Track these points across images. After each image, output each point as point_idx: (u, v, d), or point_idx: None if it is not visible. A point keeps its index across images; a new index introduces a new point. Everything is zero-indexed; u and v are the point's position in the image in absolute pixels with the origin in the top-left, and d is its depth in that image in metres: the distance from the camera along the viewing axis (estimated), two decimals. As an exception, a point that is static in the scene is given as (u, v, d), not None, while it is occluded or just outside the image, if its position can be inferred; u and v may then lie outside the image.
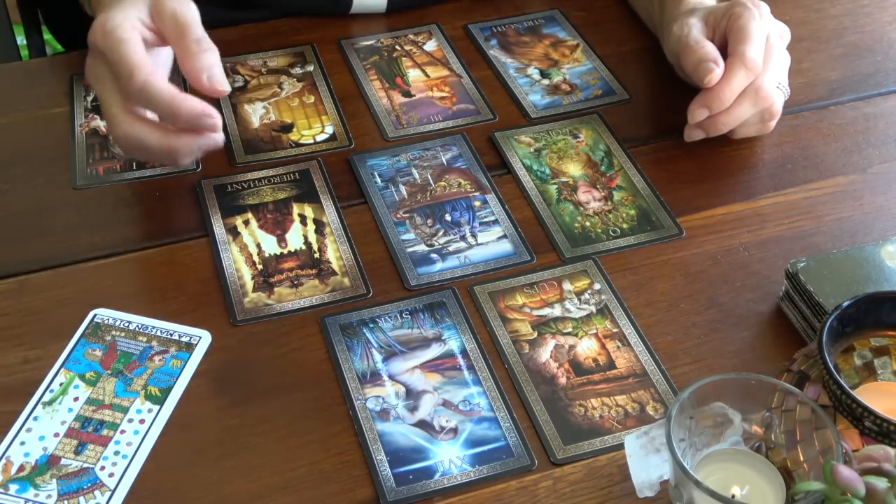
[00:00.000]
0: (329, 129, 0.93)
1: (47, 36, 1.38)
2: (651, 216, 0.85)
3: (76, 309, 0.76)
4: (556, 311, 0.77)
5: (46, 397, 0.70)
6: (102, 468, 0.66)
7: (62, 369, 0.72)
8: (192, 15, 0.77)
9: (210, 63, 0.76)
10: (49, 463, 0.67)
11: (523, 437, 0.69)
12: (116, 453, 0.67)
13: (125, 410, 0.70)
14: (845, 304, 0.66)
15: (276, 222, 0.84)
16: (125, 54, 0.74)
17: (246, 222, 0.84)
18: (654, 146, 0.92)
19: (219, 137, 0.78)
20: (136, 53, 0.74)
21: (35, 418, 0.69)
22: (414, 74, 0.99)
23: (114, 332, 0.74)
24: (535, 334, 0.75)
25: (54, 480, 0.66)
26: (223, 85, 0.76)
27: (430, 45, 1.03)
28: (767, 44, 0.86)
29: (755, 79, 0.85)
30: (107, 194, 0.87)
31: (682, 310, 0.77)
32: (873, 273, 0.74)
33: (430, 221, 0.84)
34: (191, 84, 0.77)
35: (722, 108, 0.85)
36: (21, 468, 0.66)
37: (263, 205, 0.85)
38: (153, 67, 0.75)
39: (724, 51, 0.86)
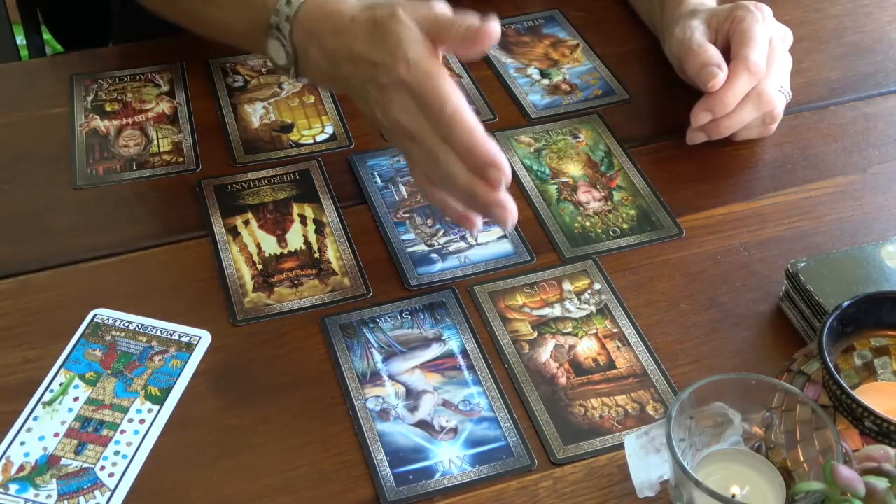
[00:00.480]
0: (329, 129, 0.93)
1: (47, 36, 1.38)
2: (651, 216, 0.85)
3: (76, 309, 0.76)
4: (556, 311, 0.77)
5: (46, 397, 0.70)
6: (102, 468, 0.66)
7: (62, 369, 0.72)
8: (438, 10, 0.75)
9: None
10: (49, 463, 0.67)
11: (523, 437, 0.69)
12: (116, 453, 0.67)
13: (125, 410, 0.70)
14: (845, 304, 0.66)
15: (276, 222, 0.84)
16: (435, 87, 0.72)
17: (246, 222, 0.84)
18: (654, 146, 0.92)
19: (508, 214, 0.73)
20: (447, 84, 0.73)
21: (35, 418, 0.69)
22: (414, 74, 0.99)
23: (114, 332, 0.74)
24: (535, 334, 0.75)
25: (54, 480, 0.66)
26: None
27: (430, 45, 1.02)
28: (770, 47, 0.86)
29: (758, 83, 0.85)
30: (107, 194, 0.87)
31: (682, 310, 0.77)
32: (873, 273, 0.74)
33: (430, 221, 0.84)
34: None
35: (725, 112, 0.85)
36: (21, 468, 0.66)
37: (263, 205, 0.85)
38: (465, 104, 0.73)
39: (727, 54, 0.86)
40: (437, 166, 0.73)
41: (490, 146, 0.71)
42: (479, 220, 0.76)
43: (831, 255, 0.76)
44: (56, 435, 0.68)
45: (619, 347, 0.74)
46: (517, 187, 0.87)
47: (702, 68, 0.85)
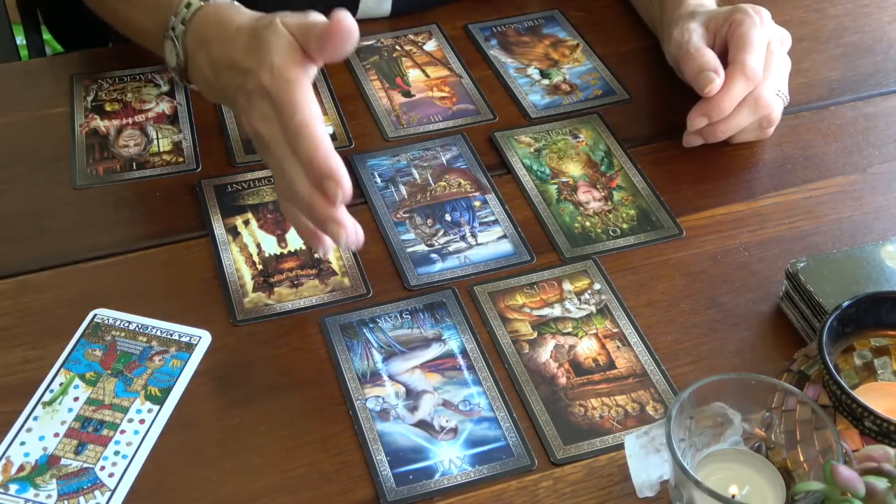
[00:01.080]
0: (329, 129, 0.93)
1: (46, 36, 1.38)
2: (651, 216, 0.85)
3: (76, 309, 0.76)
4: (556, 311, 0.77)
5: (46, 397, 0.70)
6: (102, 468, 0.66)
7: (62, 369, 0.72)
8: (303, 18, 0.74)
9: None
10: (49, 463, 0.67)
11: (523, 437, 0.69)
12: (116, 453, 0.67)
13: (125, 410, 0.70)
14: (845, 304, 0.66)
15: (276, 222, 0.84)
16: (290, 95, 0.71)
17: (246, 222, 0.84)
18: (654, 146, 0.92)
19: (342, 231, 0.71)
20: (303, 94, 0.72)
21: (35, 418, 0.69)
22: (414, 74, 0.99)
23: (114, 332, 0.74)
24: (535, 334, 0.75)
25: (54, 480, 0.66)
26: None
27: (430, 45, 1.03)
28: (768, 51, 0.86)
29: (755, 87, 0.85)
30: (107, 194, 0.87)
31: (682, 310, 0.77)
32: (873, 273, 0.74)
33: (430, 221, 0.84)
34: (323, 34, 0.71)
35: (721, 116, 0.85)
36: (21, 468, 0.66)
37: (263, 205, 0.85)
38: (318, 116, 0.72)
39: (724, 56, 0.86)
40: (283, 176, 0.72)
41: (331, 158, 0.70)
42: (326, 239, 0.74)
43: (831, 255, 0.76)
44: (56, 435, 0.68)
45: (619, 347, 0.74)
46: (517, 187, 0.87)
47: (699, 73, 0.85)
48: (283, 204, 0.75)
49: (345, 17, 0.70)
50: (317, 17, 0.73)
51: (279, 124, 0.71)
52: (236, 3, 0.80)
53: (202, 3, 0.79)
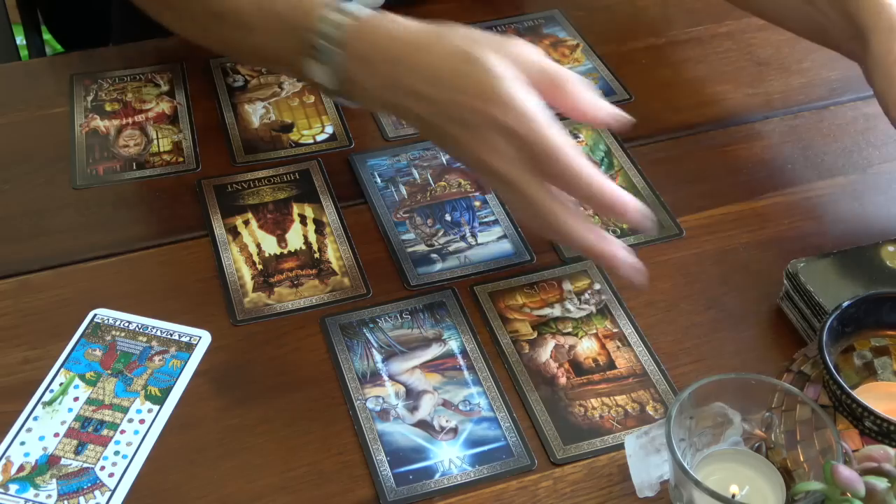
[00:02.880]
0: (329, 129, 0.93)
1: (47, 36, 1.38)
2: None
3: (76, 309, 0.76)
4: (556, 311, 0.77)
5: (46, 397, 0.70)
6: (102, 468, 0.66)
7: (62, 369, 0.72)
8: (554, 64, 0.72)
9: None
10: (49, 463, 0.67)
11: (523, 437, 0.69)
12: (116, 453, 0.67)
13: (125, 410, 0.70)
14: (845, 304, 0.66)
15: (276, 222, 0.84)
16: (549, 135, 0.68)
17: (246, 222, 0.84)
18: (654, 146, 0.92)
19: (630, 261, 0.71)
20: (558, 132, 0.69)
21: (35, 418, 0.69)
22: (414, 74, 0.99)
23: (114, 332, 0.74)
24: (535, 334, 0.75)
25: (54, 480, 0.66)
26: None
27: (430, 45, 1.02)
28: None
29: None
30: (107, 194, 0.87)
31: (682, 310, 0.77)
32: (873, 273, 0.74)
33: (430, 221, 0.84)
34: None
35: None
36: (21, 468, 0.66)
37: (263, 205, 0.85)
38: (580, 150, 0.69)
39: None
40: (536, 214, 0.70)
41: (613, 187, 0.69)
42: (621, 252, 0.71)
43: (832, 256, 0.76)
44: (56, 435, 0.68)
45: (619, 347, 0.74)
46: (517, 187, 0.87)
47: None
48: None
49: (621, 114, 0.71)
50: (543, 57, 0.72)
51: (530, 159, 0.68)
52: (389, 14, 0.76)
53: (354, 21, 0.74)
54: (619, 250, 0.70)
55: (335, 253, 0.81)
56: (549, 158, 0.68)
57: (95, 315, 0.76)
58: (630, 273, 0.70)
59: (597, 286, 0.79)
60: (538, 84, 0.70)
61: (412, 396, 0.71)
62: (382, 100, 0.75)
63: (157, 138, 0.92)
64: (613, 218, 0.69)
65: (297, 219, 0.84)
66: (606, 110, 0.72)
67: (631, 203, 0.69)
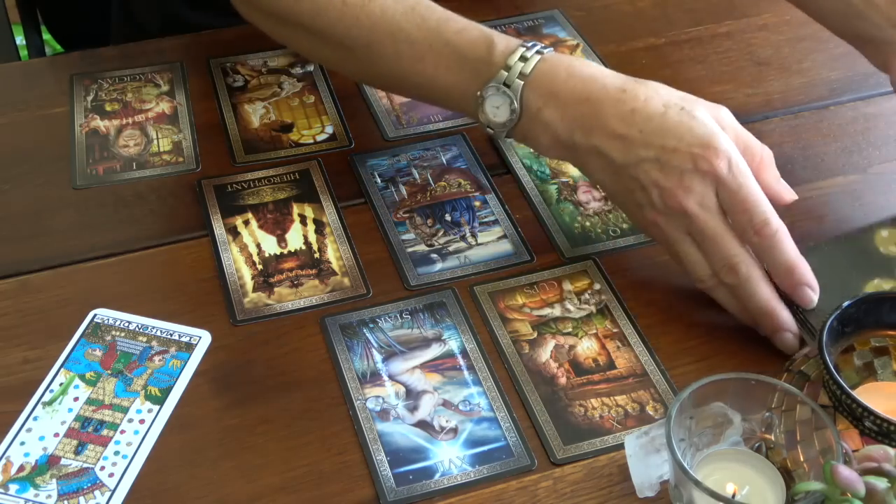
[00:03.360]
0: (329, 129, 0.93)
1: (47, 36, 1.38)
2: (651, 216, 0.85)
3: (76, 309, 0.76)
4: (556, 311, 0.77)
5: (46, 397, 0.70)
6: (102, 468, 0.66)
7: (62, 369, 0.72)
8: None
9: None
10: (49, 463, 0.67)
11: (523, 437, 0.69)
12: (116, 453, 0.67)
13: (125, 410, 0.70)
14: (845, 304, 0.66)
15: (276, 222, 0.84)
16: (757, 196, 0.70)
17: (246, 222, 0.84)
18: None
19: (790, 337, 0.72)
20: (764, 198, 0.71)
21: (35, 418, 0.69)
22: (414, 74, 0.99)
23: (114, 332, 0.74)
24: (535, 334, 0.75)
25: (54, 480, 0.66)
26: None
27: (430, 45, 1.02)
28: None
29: None
30: (107, 194, 0.87)
31: (682, 310, 0.77)
32: (868, 263, 0.73)
33: (430, 221, 0.84)
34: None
35: None
36: (21, 468, 0.66)
37: (263, 205, 0.85)
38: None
39: None
40: (735, 276, 0.72)
41: (806, 269, 0.71)
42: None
43: (824, 246, 0.75)
44: (56, 435, 0.68)
45: (619, 347, 0.74)
46: (517, 187, 0.87)
47: None
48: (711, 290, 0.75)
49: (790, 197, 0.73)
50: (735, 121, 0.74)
51: (735, 220, 0.71)
52: (580, 58, 0.77)
53: (540, 56, 0.75)
54: (792, 325, 0.72)
55: (335, 253, 0.81)
56: (746, 209, 0.70)
57: (95, 315, 0.76)
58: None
59: (597, 286, 0.79)
60: (739, 148, 0.72)
61: (412, 396, 0.71)
62: (558, 134, 0.75)
63: (157, 138, 0.92)
64: (800, 292, 0.72)
65: (297, 219, 0.84)
66: (785, 194, 0.74)
67: (807, 289, 0.71)
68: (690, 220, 0.71)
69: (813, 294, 0.71)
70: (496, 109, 0.76)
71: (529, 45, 0.76)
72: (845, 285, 0.70)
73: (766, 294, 0.72)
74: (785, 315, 0.72)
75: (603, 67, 0.76)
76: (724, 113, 0.74)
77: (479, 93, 0.76)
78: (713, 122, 0.72)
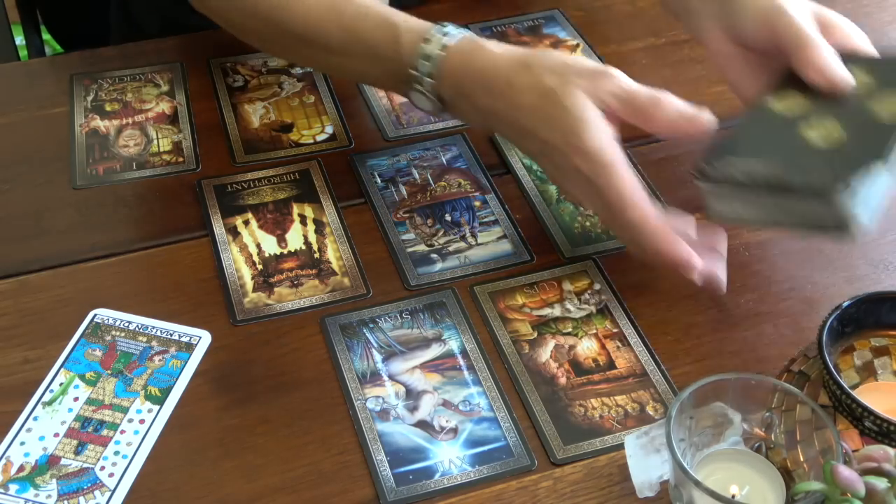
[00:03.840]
0: (329, 129, 0.93)
1: (46, 36, 1.38)
2: (651, 216, 0.85)
3: (76, 309, 0.76)
4: (556, 311, 0.77)
5: (46, 397, 0.70)
6: (102, 468, 0.66)
7: (62, 369, 0.72)
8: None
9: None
10: (49, 463, 0.67)
11: (523, 437, 0.69)
12: (116, 453, 0.67)
13: (125, 410, 0.70)
14: (845, 304, 0.66)
15: (276, 222, 0.84)
16: (616, 185, 0.71)
17: (246, 222, 0.84)
18: (654, 146, 0.92)
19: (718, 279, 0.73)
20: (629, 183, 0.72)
21: (35, 418, 0.69)
22: (414, 74, 0.99)
23: (114, 332, 0.74)
24: (535, 334, 0.75)
25: (54, 480, 0.66)
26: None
27: (430, 45, 1.02)
28: None
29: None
30: (107, 194, 0.87)
31: (682, 310, 0.77)
32: (788, 147, 0.73)
33: (430, 221, 0.84)
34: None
35: None
36: (21, 468, 0.66)
37: (263, 205, 0.85)
38: (645, 202, 0.72)
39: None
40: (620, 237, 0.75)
41: (678, 251, 0.71)
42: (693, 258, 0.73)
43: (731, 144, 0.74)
44: (56, 435, 0.68)
45: (619, 347, 0.74)
46: (517, 187, 0.87)
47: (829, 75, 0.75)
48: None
49: (708, 115, 0.73)
50: (629, 83, 0.73)
51: (604, 205, 0.73)
52: (477, 39, 0.78)
53: (442, 53, 0.77)
54: (693, 257, 0.72)
55: (335, 253, 0.81)
56: (617, 209, 0.72)
57: (95, 315, 0.76)
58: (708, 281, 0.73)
59: (597, 286, 0.79)
60: (626, 112, 0.73)
61: (412, 396, 0.71)
62: (478, 121, 0.81)
63: (157, 138, 0.92)
64: (682, 272, 0.72)
65: (297, 219, 0.84)
66: (691, 122, 0.74)
67: (696, 262, 0.71)
68: (575, 200, 0.79)
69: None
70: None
71: (432, 35, 0.78)
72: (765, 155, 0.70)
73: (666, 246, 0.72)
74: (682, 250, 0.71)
75: (498, 51, 0.77)
76: (607, 79, 0.73)
77: (403, 85, 0.80)
78: (582, 108, 0.71)
